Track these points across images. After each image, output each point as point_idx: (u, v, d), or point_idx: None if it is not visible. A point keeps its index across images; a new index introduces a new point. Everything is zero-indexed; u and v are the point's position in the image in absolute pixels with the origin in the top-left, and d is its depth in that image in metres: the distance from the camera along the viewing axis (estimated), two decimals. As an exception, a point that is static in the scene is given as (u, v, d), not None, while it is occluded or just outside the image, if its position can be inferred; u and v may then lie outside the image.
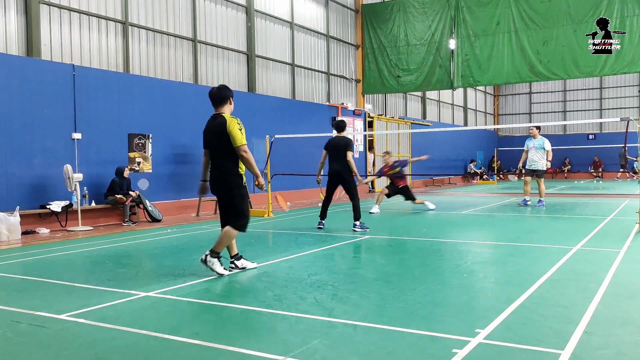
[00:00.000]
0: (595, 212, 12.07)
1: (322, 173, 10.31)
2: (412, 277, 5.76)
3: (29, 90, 10.43)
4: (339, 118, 10.10)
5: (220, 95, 6.02)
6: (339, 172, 9.52)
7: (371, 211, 12.83)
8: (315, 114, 18.64)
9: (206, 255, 5.86)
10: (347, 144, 9.49)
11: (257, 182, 5.93)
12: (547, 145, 13.56)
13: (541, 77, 18.31)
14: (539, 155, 13.54)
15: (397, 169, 13.24)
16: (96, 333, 3.96)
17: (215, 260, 5.83)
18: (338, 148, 9.55)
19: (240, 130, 5.85)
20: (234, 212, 5.95)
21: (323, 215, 9.94)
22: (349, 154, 9.46)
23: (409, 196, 13.24)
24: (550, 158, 13.75)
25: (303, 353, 3.45)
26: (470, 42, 18.76)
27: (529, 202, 13.92)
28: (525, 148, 13.94)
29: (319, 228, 9.81)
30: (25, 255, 7.65)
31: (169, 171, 13.18)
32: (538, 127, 13.84)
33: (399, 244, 8.21)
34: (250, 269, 6.18)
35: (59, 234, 9.87)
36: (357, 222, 9.46)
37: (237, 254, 6.20)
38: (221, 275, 5.81)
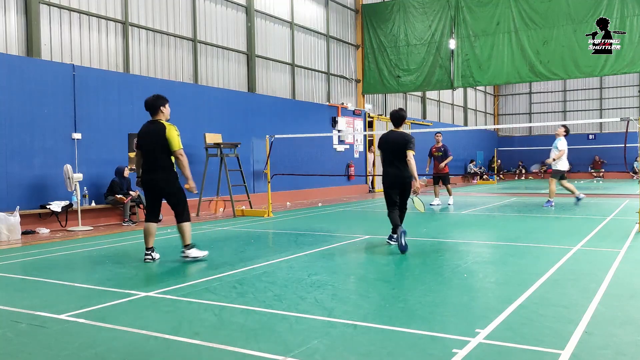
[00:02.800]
0: (595, 212, 12.06)
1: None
2: (412, 277, 5.76)
3: (29, 90, 10.43)
4: (397, 108, 7.90)
5: (154, 104, 6.84)
6: (405, 177, 7.63)
7: (432, 203, 14.19)
8: (315, 114, 18.64)
9: (183, 252, 6.82)
10: (409, 141, 7.65)
11: (187, 185, 6.75)
12: (560, 144, 13.08)
13: (541, 77, 18.31)
14: (553, 154, 13.14)
15: (441, 154, 14.56)
16: (96, 333, 3.96)
17: (192, 249, 6.80)
18: (399, 146, 7.63)
19: (178, 135, 6.71)
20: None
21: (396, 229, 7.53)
22: (410, 153, 7.63)
23: (445, 181, 14.69)
24: (555, 156, 13.24)
25: (303, 353, 3.45)
26: (470, 42, 18.77)
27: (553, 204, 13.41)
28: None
29: (393, 243, 7.74)
30: (25, 255, 7.65)
31: (169, 171, 13.15)
32: (565, 127, 13.23)
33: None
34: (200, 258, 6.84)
35: (59, 234, 9.87)
36: (396, 235, 7.49)
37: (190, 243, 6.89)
38: (204, 255, 6.82)
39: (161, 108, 6.82)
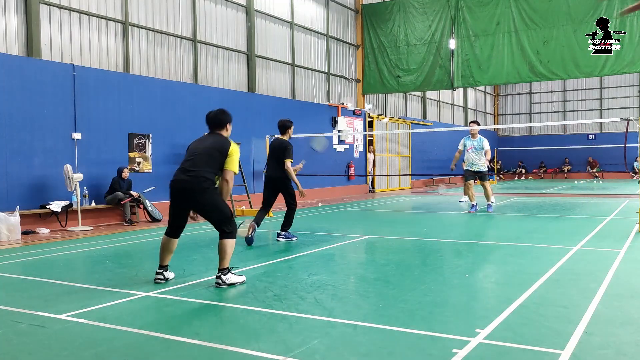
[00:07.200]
0: (595, 212, 12.06)
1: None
2: (412, 277, 5.76)
3: (29, 90, 10.43)
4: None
5: (217, 119, 5.79)
6: None
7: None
8: (315, 114, 18.64)
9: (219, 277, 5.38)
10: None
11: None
12: (486, 144, 12.14)
13: (541, 77, 18.31)
14: (478, 156, 12.17)
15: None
16: (96, 333, 3.96)
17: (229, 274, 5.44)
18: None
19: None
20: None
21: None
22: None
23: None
24: (489, 157, 12.27)
25: (303, 353, 3.45)
26: (470, 42, 18.77)
27: (477, 208, 12.40)
28: (460, 147, 12.59)
29: None
30: (25, 255, 7.64)
31: (169, 171, 13.12)
32: (478, 123, 12.15)
33: (399, 244, 8.20)
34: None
35: (59, 234, 9.86)
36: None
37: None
38: (243, 281, 5.45)
39: (227, 125, 5.86)
